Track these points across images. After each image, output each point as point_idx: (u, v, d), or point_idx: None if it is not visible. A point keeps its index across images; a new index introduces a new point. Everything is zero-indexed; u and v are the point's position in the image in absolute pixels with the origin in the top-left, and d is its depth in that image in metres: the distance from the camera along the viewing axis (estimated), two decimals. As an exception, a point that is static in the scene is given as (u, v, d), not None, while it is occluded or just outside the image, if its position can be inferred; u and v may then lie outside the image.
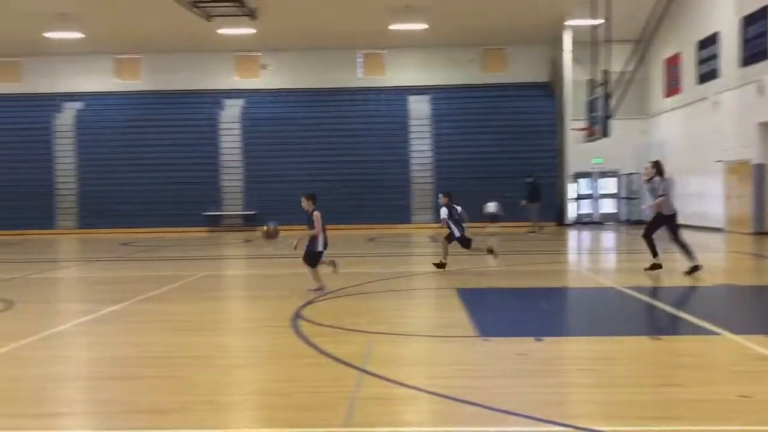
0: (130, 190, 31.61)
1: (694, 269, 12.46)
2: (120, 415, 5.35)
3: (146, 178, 31.73)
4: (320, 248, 11.24)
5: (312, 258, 11.26)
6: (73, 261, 20.17)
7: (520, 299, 10.94)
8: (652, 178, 12.99)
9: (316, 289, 11.16)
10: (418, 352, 7.48)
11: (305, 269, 11.46)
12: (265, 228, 11.55)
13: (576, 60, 30.30)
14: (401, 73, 33.69)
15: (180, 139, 32.40)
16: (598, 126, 25.76)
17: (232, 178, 32.48)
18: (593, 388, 6.02)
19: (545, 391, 5.79)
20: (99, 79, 34.07)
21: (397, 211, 31.17)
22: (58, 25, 29.24)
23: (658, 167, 12.99)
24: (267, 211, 31.15)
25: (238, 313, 10.40)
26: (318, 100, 33.23)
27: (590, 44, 27.16)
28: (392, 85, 33.63)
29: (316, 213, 11.20)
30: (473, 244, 13.79)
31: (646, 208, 12.93)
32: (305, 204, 11.29)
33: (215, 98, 33.65)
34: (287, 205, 30.93)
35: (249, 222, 31.30)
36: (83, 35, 30.20)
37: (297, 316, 9.12)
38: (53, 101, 33.61)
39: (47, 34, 29.96)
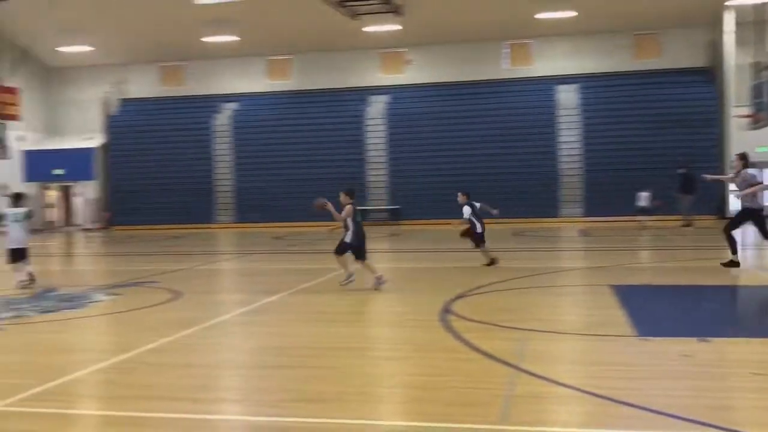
0: (281, 185, 32.86)
1: (732, 264, 12.04)
2: (281, 403, 5.55)
3: (296, 174, 32.87)
4: (348, 240, 11.39)
5: (345, 247, 11.45)
6: (231, 254, 21.24)
7: (681, 297, 10.36)
8: (740, 171, 12.31)
9: (346, 281, 11.33)
10: (573, 351, 7.26)
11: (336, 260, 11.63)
12: (316, 202, 11.92)
13: (739, 42, 28.31)
14: (548, 62, 32.88)
15: (327, 136, 33.31)
16: (764, 112, 24.03)
17: (377, 173, 33.02)
18: (763, 393, 5.59)
19: (710, 395, 5.46)
20: (253, 80, 35.70)
21: (544, 205, 30.48)
22: (216, 30, 30.97)
23: (746, 159, 12.34)
24: (411, 205, 31.49)
25: (388, 306, 10.52)
26: (463, 93, 33.09)
27: (755, 24, 25.28)
28: (539, 75, 32.90)
29: (348, 207, 11.36)
30: (484, 246, 13.87)
31: (743, 194, 12.22)
32: (342, 198, 11.50)
33: (361, 95, 34.32)
34: (432, 199, 31.16)
35: (394, 217, 31.69)
36: (239, 39, 31.79)
37: (446, 310, 9.11)
38: (212, 102, 35.57)
39: (205, 39, 31.80)
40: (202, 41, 32.20)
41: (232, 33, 31.41)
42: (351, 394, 5.71)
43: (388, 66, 34.37)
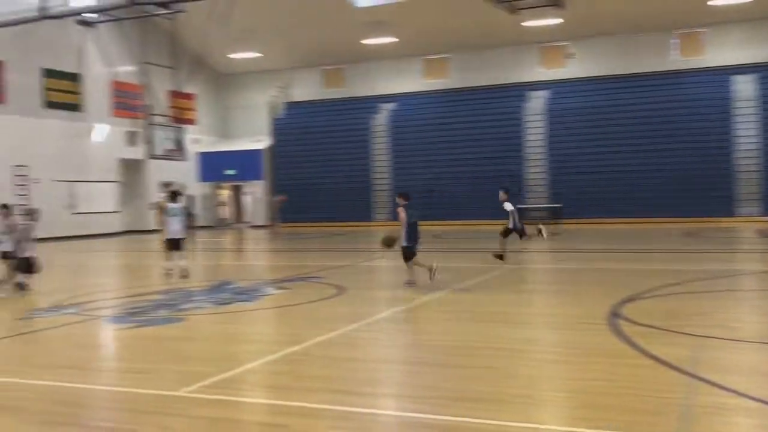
0: (438, 184, 32.93)
1: None
2: (443, 402, 5.53)
3: (453, 173, 32.87)
4: (404, 243, 11.74)
5: (403, 253, 11.83)
6: (389, 251, 21.51)
7: None
8: None
9: (407, 282, 11.65)
10: (756, 360, 6.72)
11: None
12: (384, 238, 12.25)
13: None
14: (723, 51, 30.74)
15: (485, 134, 33.03)
16: None
17: (536, 170, 32.36)
18: None
19: None
20: (410, 80, 36.10)
21: (719, 203, 28.55)
22: (375, 32, 31.64)
23: None
24: (572, 203, 30.57)
25: (551, 307, 10.26)
26: (628, 86, 31.69)
27: None
28: (712, 65, 30.87)
29: (400, 209, 11.78)
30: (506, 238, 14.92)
31: None
32: (398, 201, 12.02)
33: (520, 91, 33.77)
34: (594, 196, 30.10)
35: (554, 215, 30.91)
36: (397, 40, 32.28)
37: (614, 313, 8.74)
38: (371, 103, 36.34)
39: (365, 41, 32.57)
40: (361, 44, 33.00)
41: (389, 34, 31.98)
42: (515, 396, 5.60)
43: (549, 60, 33.56)
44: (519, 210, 15.06)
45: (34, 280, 12.40)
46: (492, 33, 31.71)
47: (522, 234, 14.97)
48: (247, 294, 11.50)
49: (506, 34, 31.58)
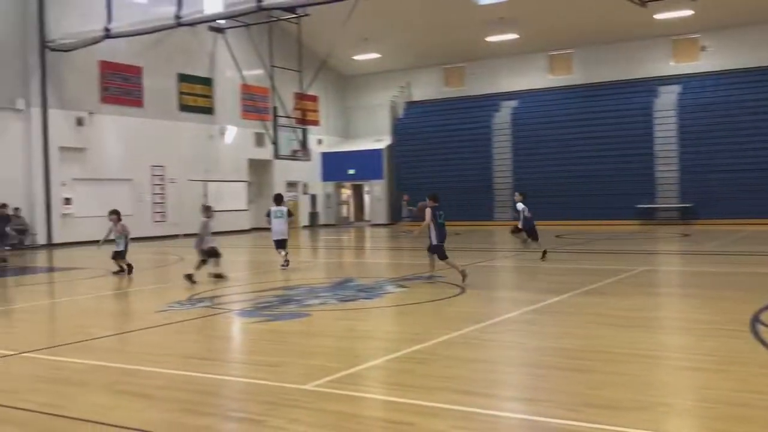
0: (561, 182, 32.21)
1: None
2: (574, 407, 5.34)
3: (578, 171, 32.02)
4: (434, 241, 12.28)
5: (434, 250, 12.41)
6: (510, 251, 21.22)
7: None
8: None
9: (428, 277, 12.47)
10: None
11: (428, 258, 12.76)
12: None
13: None
14: None
15: (611, 130, 31.99)
16: None
17: (667, 168, 30.98)
18: None
19: None
20: (533, 76, 35.46)
21: None
22: (496, 29, 31.29)
23: None
24: (705, 203, 29.08)
25: (686, 311, 9.74)
26: (765, 79, 29.79)
27: None
28: None
29: (427, 209, 12.24)
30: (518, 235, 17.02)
31: None
32: (428, 202, 12.39)
33: (649, 86, 32.46)
34: (728, 196, 28.45)
35: (686, 215, 29.50)
36: (519, 36, 31.78)
37: (755, 319, 8.20)
38: (492, 101, 35.97)
39: (489, 39, 32.26)
40: (483, 42, 32.73)
41: (511, 31, 31.55)
42: (649, 404, 5.33)
43: (680, 54, 32.06)
44: (529, 215, 16.43)
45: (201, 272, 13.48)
46: (619, 26, 30.65)
47: (534, 236, 16.57)
48: (369, 291, 11.63)
49: (634, 27, 30.44)
